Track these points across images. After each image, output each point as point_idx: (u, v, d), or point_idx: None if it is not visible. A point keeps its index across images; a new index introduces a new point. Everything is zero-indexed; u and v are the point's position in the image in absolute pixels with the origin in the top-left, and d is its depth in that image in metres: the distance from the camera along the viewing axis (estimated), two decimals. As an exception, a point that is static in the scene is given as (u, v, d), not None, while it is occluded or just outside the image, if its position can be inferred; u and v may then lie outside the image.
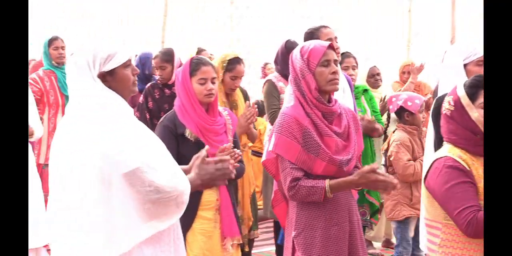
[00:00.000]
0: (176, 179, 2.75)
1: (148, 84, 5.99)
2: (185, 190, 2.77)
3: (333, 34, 4.93)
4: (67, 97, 6.71)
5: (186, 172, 2.95)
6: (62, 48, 7.00)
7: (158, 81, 5.91)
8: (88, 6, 13.13)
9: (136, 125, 2.80)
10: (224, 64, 5.25)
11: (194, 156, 3.02)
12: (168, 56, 5.85)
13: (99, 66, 2.74)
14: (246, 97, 5.52)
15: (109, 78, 2.76)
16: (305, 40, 4.79)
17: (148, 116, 5.74)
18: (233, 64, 5.26)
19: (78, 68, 2.73)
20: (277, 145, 3.46)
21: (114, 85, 2.77)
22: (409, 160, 5.41)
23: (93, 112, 2.69)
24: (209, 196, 4.09)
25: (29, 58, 9.23)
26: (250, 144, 5.36)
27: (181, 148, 4.04)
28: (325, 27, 5.00)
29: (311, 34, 4.92)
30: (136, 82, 2.89)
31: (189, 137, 4.07)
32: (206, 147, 3.05)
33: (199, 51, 8.25)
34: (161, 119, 4.25)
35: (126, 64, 2.81)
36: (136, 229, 2.66)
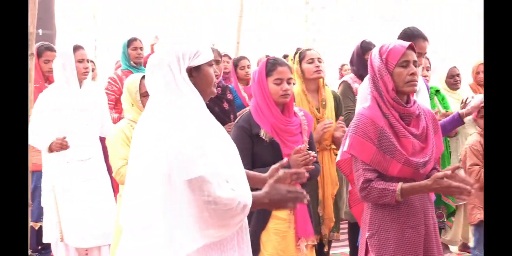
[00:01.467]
0: (237, 192, 2.72)
1: None
2: (244, 204, 2.71)
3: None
4: (143, 97, 6.81)
5: (262, 181, 2.95)
6: (141, 48, 7.12)
7: None
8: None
9: (213, 130, 2.81)
10: (297, 58, 5.21)
11: (273, 167, 3.01)
12: (220, 53, 5.82)
13: (188, 60, 2.77)
14: (338, 103, 5.36)
15: (195, 73, 2.80)
16: (399, 38, 4.69)
17: None
18: (304, 53, 5.22)
19: (162, 66, 2.76)
20: (352, 145, 3.44)
21: (199, 81, 2.80)
22: (475, 165, 5.31)
23: (171, 117, 2.71)
24: (284, 197, 4.08)
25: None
26: (333, 146, 5.27)
27: (256, 148, 4.06)
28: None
29: (405, 33, 4.79)
30: (216, 84, 2.92)
31: (263, 137, 4.07)
32: (285, 159, 3.08)
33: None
34: (237, 119, 4.28)
35: (211, 63, 2.86)
36: (193, 235, 2.65)
